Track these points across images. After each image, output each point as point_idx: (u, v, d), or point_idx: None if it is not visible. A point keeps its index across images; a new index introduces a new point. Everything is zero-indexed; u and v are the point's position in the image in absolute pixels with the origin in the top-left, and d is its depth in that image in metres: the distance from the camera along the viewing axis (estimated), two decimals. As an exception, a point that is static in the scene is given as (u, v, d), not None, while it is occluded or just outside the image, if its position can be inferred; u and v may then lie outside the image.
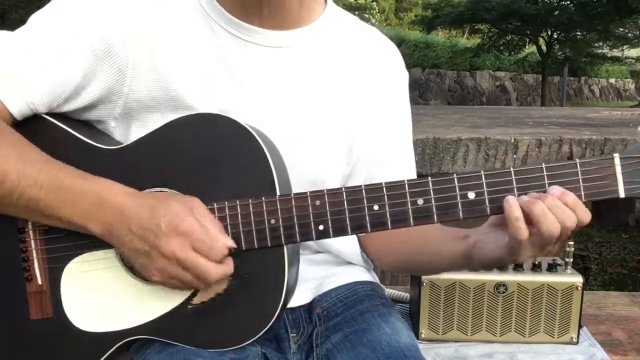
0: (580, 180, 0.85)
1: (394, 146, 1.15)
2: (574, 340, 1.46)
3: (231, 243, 0.88)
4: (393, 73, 1.16)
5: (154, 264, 0.87)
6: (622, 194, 0.85)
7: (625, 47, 22.48)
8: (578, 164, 0.86)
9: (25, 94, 0.93)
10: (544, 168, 0.86)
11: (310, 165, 1.06)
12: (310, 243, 1.12)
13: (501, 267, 1.44)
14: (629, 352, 1.49)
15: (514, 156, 2.93)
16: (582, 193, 0.85)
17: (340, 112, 1.08)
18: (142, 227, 0.86)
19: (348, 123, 1.09)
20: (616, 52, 23.10)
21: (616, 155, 0.86)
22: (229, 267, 0.89)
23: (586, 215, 0.84)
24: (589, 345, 1.47)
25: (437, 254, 1.02)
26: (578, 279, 1.45)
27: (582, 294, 1.45)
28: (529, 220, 0.83)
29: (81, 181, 0.89)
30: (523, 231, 0.83)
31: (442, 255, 1.00)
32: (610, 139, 2.97)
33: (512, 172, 0.86)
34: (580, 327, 1.47)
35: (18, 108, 0.93)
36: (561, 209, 0.83)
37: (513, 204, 0.83)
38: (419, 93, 18.38)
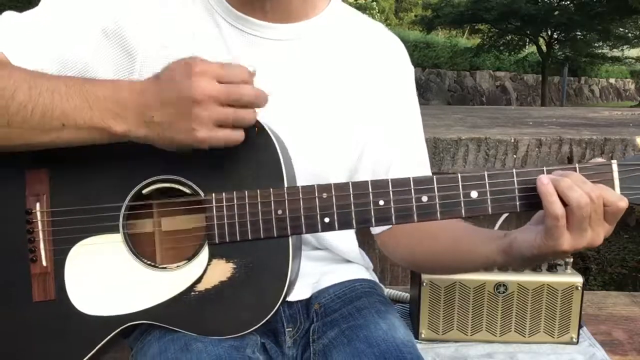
0: None
1: (401, 142, 1.14)
2: (574, 340, 1.46)
3: (249, 68, 0.87)
4: (397, 67, 1.16)
5: (194, 119, 0.84)
6: None
7: (625, 47, 22.45)
8: (577, 168, 0.87)
9: (34, 61, 0.93)
10: (545, 171, 0.87)
11: (313, 159, 1.06)
12: (310, 239, 1.13)
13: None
14: (629, 352, 1.49)
15: (514, 156, 2.93)
16: None
17: (343, 106, 1.09)
18: (160, 94, 0.85)
19: (351, 117, 1.09)
20: (616, 52, 23.08)
21: (614, 162, 0.87)
22: (261, 90, 0.87)
23: (615, 196, 0.83)
24: (589, 345, 1.47)
25: (471, 253, 0.99)
26: (578, 279, 1.45)
27: (582, 294, 1.45)
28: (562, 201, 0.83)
29: (92, 82, 0.89)
30: (557, 205, 0.82)
31: (478, 254, 0.97)
32: (610, 139, 2.97)
33: (514, 173, 0.88)
34: (580, 327, 1.47)
35: None
36: (585, 183, 0.83)
37: (545, 181, 0.83)
38: (419, 93, 18.26)
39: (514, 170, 0.88)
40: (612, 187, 0.86)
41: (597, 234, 0.84)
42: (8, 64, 0.90)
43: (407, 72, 1.18)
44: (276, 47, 1.04)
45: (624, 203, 0.83)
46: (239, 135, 0.87)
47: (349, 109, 1.09)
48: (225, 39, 1.02)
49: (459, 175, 0.89)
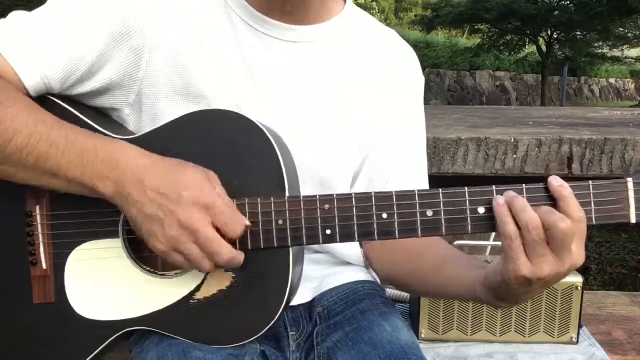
0: (592, 202, 0.83)
1: (402, 151, 1.14)
2: (574, 340, 1.46)
3: (247, 222, 0.86)
4: (408, 76, 1.16)
5: (165, 231, 0.84)
6: (633, 220, 0.83)
7: (625, 47, 22.48)
8: (591, 186, 0.83)
9: (40, 68, 0.93)
10: (552, 184, 0.83)
11: (320, 163, 1.06)
12: None
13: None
14: (629, 352, 1.49)
15: (514, 156, 2.92)
16: (593, 216, 0.83)
17: (352, 110, 1.08)
18: (160, 193, 0.84)
19: (359, 121, 1.09)
20: (616, 52, 23.10)
21: (630, 180, 0.83)
22: (240, 255, 0.86)
23: (555, 217, 0.78)
24: (589, 345, 1.47)
25: (454, 279, 0.97)
26: (578, 279, 1.45)
27: (582, 294, 1.45)
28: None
29: (94, 140, 0.88)
30: (510, 226, 0.80)
31: (461, 281, 0.95)
32: (610, 139, 2.96)
33: (524, 189, 0.84)
34: (580, 327, 1.47)
35: (33, 82, 0.93)
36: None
37: (501, 202, 0.82)
38: (419, 93, 18.34)
39: (524, 187, 0.84)
40: (627, 206, 0.83)
41: (562, 261, 0.79)
42: (15, 103, 0.89)
43: (417, 82, 1.17)
44: (291, 49, 1.04)
45: (564, 224, 0.77)
46: (186, 268, 0.89)
47: (355, 113, 1.09)
48: (239, 37, 1.02)
49: (467, 189, 0.85)
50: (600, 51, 22.78)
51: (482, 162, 2.93)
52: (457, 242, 1.54)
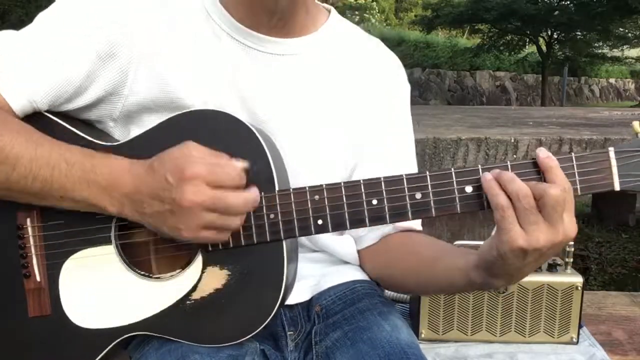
0: (576, 173, 0.86)
1: (392, 158, 1.14)
2: (574, 340, 1.46)
3: (243, 163, 0.86)
4: (394, 84, 1.17)
5: (181, 220, 0.85)
6: (617, 187, 0.86)
7: (625, 47, 22.46)
8: (574, 157, 0.86)
9: (28, 92, 0.93)
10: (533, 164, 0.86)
11: (309, 172, 1.06)
12: (305, 242, 1.12)
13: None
14: (629, 352, 1.49)
15: (514, 156, 2.93)
16: (578, 186, 0.86)
17: (340, 120, 1.09)
18: (153, 190, 0.85)
19: (347, 131, 1.10)
20: (616, 52, 23.09)
21: (611, 149, 0.86)
22: (253, 193, 0.87)
23: (543, 185, 0.81)
24: (589, 345, 1.47)
25: (449, 269, 0.97)
26: (578, 279, 1.45)
27: (582, 294, 1.45)
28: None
29: (90, 160, 0.89)
30: (501, 197, 0.82)
31: (456, 269, 0.95)
32: (610, 139, 2.97)
33: (509, 166, 0.86)
34: (580, 327, 1.47)
35: (20, 105, 0.93)
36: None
37: (488, 177, 0.84)
38: (419, 93, 18.35)
39: (509, 163, 0.86)
40: (610, 174, 0.85)
41: (555, 229, 0.81)
42: (10, 129, 0.89)
43: (404, 89, 1.18)
44: (278, 61, 1.04)
45: (553, 190, 0.80)
46: (223, 238, 0.88)
47: (343, 123, 1.09)
48: (226, 51, 1.02)
49: (453, 170, 0.88)
50: (600, 51, 22.75)
51: (482, 162, 2.93)
52: (457, 242, 1.54)
